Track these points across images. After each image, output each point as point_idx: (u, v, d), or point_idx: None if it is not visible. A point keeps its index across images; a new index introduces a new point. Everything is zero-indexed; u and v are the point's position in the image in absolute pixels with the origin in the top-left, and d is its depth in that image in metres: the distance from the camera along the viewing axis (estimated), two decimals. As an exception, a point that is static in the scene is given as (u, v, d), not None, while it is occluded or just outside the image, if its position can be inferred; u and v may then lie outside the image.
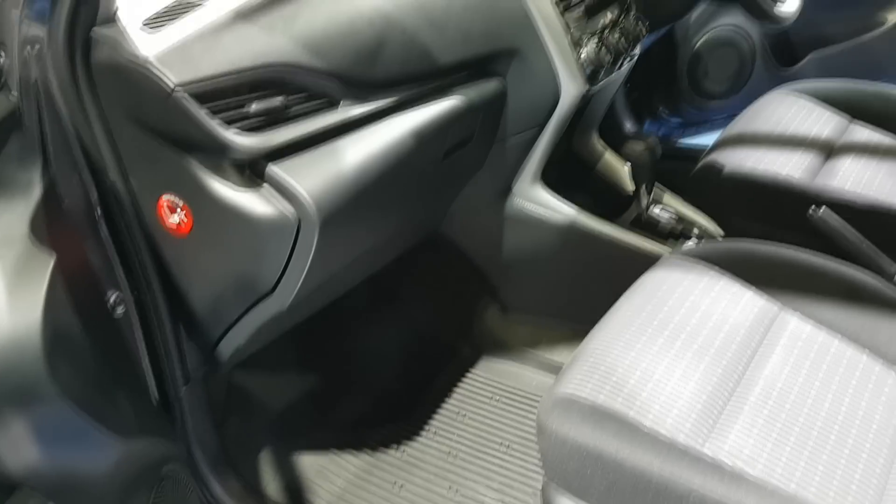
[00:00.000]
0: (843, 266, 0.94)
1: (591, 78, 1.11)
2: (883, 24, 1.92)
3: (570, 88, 1.10)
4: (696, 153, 1.74)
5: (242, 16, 0.79)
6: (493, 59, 1.05)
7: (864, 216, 1.12)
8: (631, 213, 1.29)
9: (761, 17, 1.20)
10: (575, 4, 1.09)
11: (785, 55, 1.95)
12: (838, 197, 1.14)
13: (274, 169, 0.80)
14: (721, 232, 1.27)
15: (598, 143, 1.36)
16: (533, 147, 1.17)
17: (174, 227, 0.85)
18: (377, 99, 0.90)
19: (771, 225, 1.22)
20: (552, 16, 1.05)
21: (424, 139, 0.94)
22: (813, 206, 1.11)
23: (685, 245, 1.25)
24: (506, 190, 1.23)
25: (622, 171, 1.35)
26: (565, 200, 1.22)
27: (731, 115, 2.04)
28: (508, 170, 1.20)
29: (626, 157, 1.22)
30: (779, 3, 1.23)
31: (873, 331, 0.87)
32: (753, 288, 0.92)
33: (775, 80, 1.97)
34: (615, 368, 0.81)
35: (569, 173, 1.36)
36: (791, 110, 1.39)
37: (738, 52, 1.89)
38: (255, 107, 0.79)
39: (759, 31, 1.87)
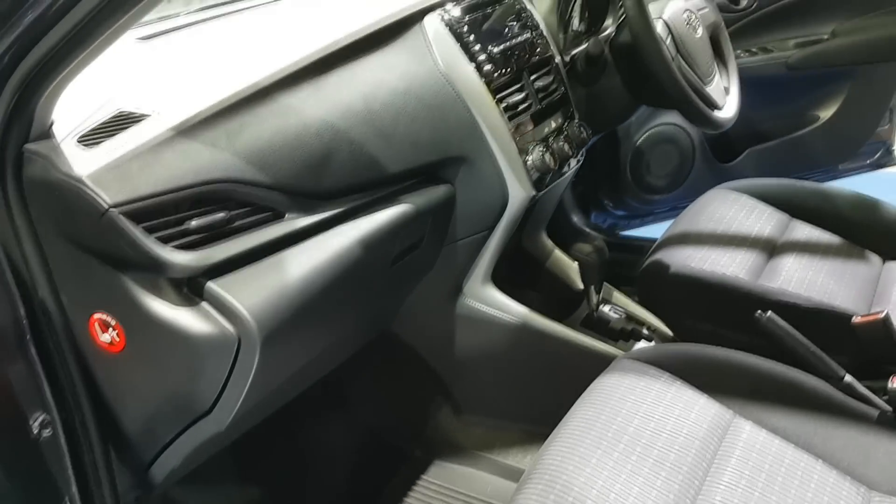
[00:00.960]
0: (793, 371, 0.95)
1: (538, 183, 1.12)
2: (816, 121, 2.03)
3: (518, 194, 1.11)
4: (641, 244, 1.78)
5: (184, 131, 0.78)
6: (442, 166, 1.06)
7: (810, 317, 1.14)
8: (581, 312, 1.29)
9: (701, 123, 1.25)
10: (521, 112, 1.11)
11: (723, 151, 2.04)
12: (782, 298, 1.16)
13: (213, 286, 0.77)
14: (670, 333, 1.27)
15: (546, 241, 1.38)
16: (482, 249, 1.17)
17: (106, 345, 0.80)
18: (324, 209, 0.89)
19: (719, 325, 1.23)
20: (499, 125, 1.07)
21: (372, 247, 0.93)
22: (759, 311, 1.12)
23: (636, 346, 1.24)
24: (456, 290, 1.22)
25: (571, 268, 1.35)
26: (515, 301, 1.22)
27: (674, 208, 2.11)
28: (458, 271, 1.20)
29: (574, 257, 1.23)
30: (716, 111, 1.28)
31: (826, 437, 0.87)
32: (706, 394, 0.91)
33: (714, 175, 2.05)
34: (571, 486, 0.78)
35: (519, 271, 1.36)
36: (732, 208, 1.43)
37: (679, 149, 1.96)
38: (195, 223, 0.77)
39: (698, 130, 1.95)
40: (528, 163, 1.10)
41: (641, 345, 1.24)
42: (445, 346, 1.27)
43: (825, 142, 2.05)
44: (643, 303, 1.32)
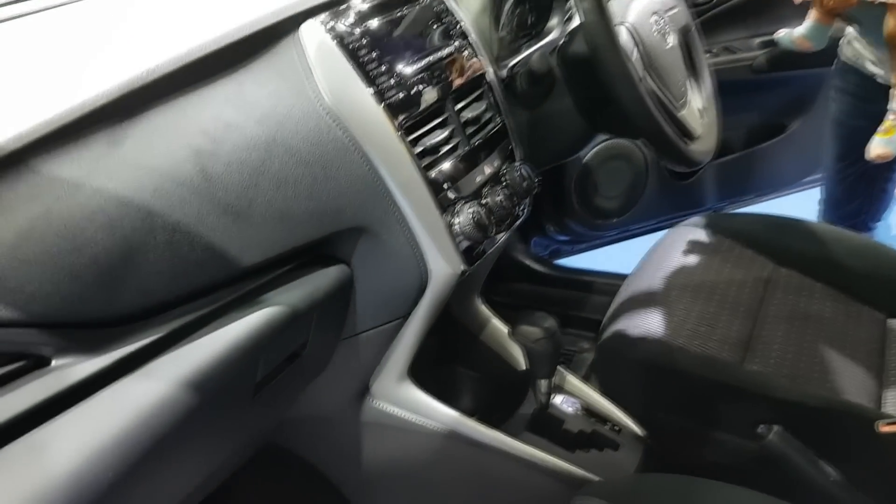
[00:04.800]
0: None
1: (468, 255, 0.81)
2: (782, 130, 1.80)
3: (442, 271, 0.80)
4: (590, 280, 1.50)
5: None
6: (332, 241, 0.74)
7: (816, 419, 0.88)
8: (527, 407, 1.00)
9: (673, 159, 0.96)
10: (443, 157, 0.79)
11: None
12: (781, 395, 0.90)
13: None
14: (643, 431, 0.99)
15: (480, 308, 1.07)
16: (395, 340, 0.86)
17: None
18: (122, 343, 0.56)
19: (698, 422, 0.96)
20: (412, 178, 0.75)
21: (211, 386, 0.60)
22: (761, 426, 0.87)
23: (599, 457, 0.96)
24: (360, 391, 0.90)
25: (512, 346, 1.05)
26: (441, 401, 0.91)
27: (624, 233, 1.85)
28: (362, 368, 0.88)
29: (519, 342, 0.93)
30: (691, 142, 1.00)
31: None
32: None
33: (670, 195, 1.80)
34: None
35: (446, 348, 1.05)
36: (704, 255, 1.17)
37: (631, 166, 1.69)
38: None
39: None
40: (455, 228, 0.79)
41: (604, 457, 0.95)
42: (348, 461, 0.96)
43: (792, 154, 1.82)
44: (604, 389, 1.04)
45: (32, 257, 0.50)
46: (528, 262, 1.56)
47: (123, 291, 0.56)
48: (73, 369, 0.53)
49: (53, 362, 0.53)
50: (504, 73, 0.96)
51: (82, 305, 0.53)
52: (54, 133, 0.52)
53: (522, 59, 0.99)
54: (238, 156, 0.63)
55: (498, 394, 1.04)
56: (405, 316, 0.84)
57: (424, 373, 0.93)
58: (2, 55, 0.59)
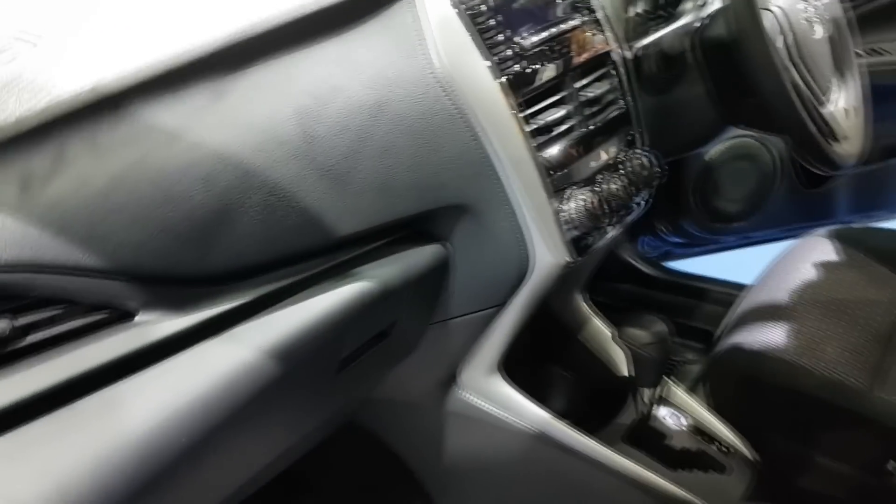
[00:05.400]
0: None
1: (577, 246, 0.75)
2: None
3: (546, 260, 0.74)
4: (704, 287, 1.39)
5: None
6: (430, 218, 0.69)
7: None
8: (626, 416, 0.92)
9: (816, 158, 0.85)
10: (557, 137, 0.73)
11: (810, 173, 1.62)
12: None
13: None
14: (754, 455, 0.90)
15: (581, 306, 1.00)
16: (489, 329, 0.81)
17: None
18: (209, 303, 0.54)
19: (820, 451, 0.86)
20: (524, 157, 0.70)
21: (295, 357, 0.58)
22: (891, 462, 0.76)
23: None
24: (448, 378, 0.86)
25: (615, 349, 0.98)
26: (533, 399, 0.86)
27: (743, 240, 1.71)
28: (451, 356, 0.84)
29: (624, 346, 0.86)
30: (835, 143, 0.89)
31: None
32: None
33: (798, 204, 1.64)
34: None
35: (541, 344, 0.99)
36: (839, 269, 1.05)
37: (758, 168, 1.55)
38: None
39: (784, 146, 1.54)
40: (564, 215, 0.73)
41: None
42: (430, 450, 0.92)
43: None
44: (714, 406, 0.95)
45: (124, 205, 0.48)
46: (635, 262, 1.46)
47: (214, 251, 0.54)
48: (157, 326, 0.52)
49: (137, 317, 0.52)
50: (631, 54, 0.88)
51: (171, 261, 0.52)
52: (156, 79, 0.50)
53: (653, 40, 0.91)
54: (342, 119, 0.60)
55: (594, 399, 0.97)
56: (501, 305, 0.79)
57: (516, 367, 0.87)
58: None
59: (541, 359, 1.01)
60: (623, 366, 0.97)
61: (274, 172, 0.56)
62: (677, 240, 1.65)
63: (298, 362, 0.60)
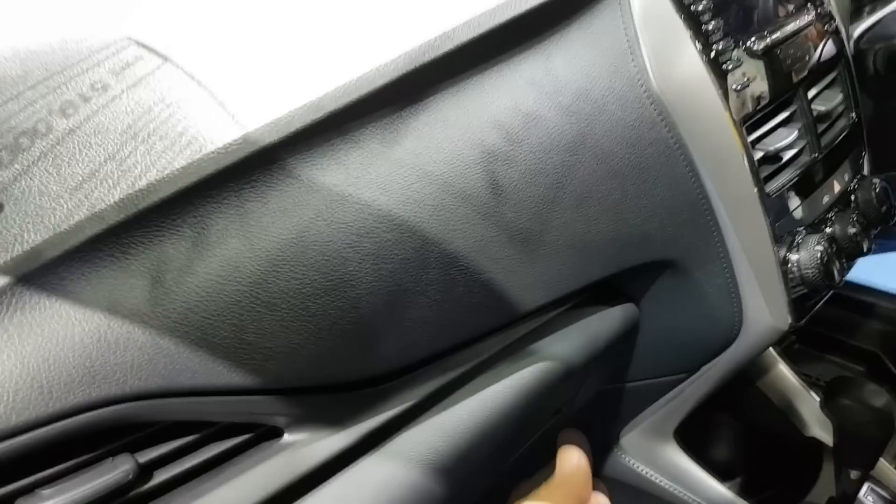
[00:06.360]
0: None
1: (799, 306, 0.59)
2: None
3: (761, 325, 0.58)
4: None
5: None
6: (624, 275, 0.54)
7: None
8: (821, 495, 0.76)
9: None
10: (781, 169, 0.57)
11: None
12: None
13: None
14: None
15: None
16: (669, 395, 0.66)
17: None
18: (367, 411, 0.42)
19: None
20: (748, 196, 0.54)
21: (464, 464, 0.45)
22: None
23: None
24: (609, 441, 0.72)
25: (802, 402, 0.82)
26: (709, 474, 0.71)
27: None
28: (617, 422, 0.70)
29: (832, 414, 0.70)
30: None
31: None
32: None
33: None
34: None
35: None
36: None
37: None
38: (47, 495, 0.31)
39: None
40: (793, 268, 0.57)
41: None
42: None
43: None
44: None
45: (278, 299, 0.35)
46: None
47: (379, 348, 0.40)
48: (312, 446, 0.39)
49: (287, 436, 0.39)
50: (851, 47, 0.70)
51: (330, 367, 0.39)
52: (318, 124, 0.36)
53: (870, 27, 0.72)
54: (536, 161, 0.45)
55: (778, 465, 0.81)
56: (691, 371, 0.64)
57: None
58: (246, 17, 0.44)
59: (710, 411, 0.85)
60: (817, 428, 0.81)
61: (455, 239, 0.42)
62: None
63: (471, 469, 0.47)
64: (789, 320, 0.58)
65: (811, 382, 0.83)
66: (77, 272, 0.32)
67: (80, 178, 0.33)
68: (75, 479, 0.33)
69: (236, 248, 0.34)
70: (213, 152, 0.34)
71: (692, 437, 0.74)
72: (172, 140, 0.35)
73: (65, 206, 0.33)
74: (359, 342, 0.39)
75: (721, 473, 0.74)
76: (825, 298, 0.62)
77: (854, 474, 0.71)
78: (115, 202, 0.33)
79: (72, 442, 0.32)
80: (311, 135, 0.36)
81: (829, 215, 0.61)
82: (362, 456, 0.42)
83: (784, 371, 0.82)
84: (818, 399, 0.81)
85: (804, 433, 0.80)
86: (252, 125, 0.35)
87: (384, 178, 0.39)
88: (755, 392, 0.83)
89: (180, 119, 0.36)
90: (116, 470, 0.33)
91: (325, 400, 0.40)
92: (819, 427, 0.79)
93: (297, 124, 0.36)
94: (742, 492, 0.73)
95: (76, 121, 0.35)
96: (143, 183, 0.33)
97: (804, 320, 0.59)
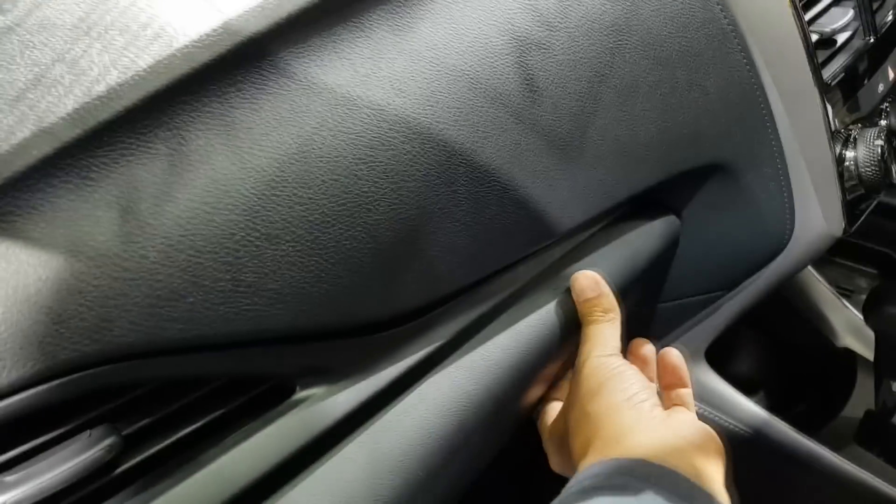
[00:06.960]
0: None
1: (852, 210, 0.53)
2: None
3: (814, 231, 0.52)
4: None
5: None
6: (667, 184, 0.48)
7: None
8: (856, 407, 0.73)
9: None
10: (835, 54, 0.50)
11: None
12: None
13: None
14: None
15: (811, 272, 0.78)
16: (703, 315, 0.61)
17: None
18: (389, 356, 0.36)
19: None
20: (806, 86, 0.47)
21: (490, 408, 0.40)
22: None
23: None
24: (634, 365, 0.68)
25: (842, 319, 0.77)
26: (741, 394, 0.67)
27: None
28: (648, 333, 0.65)
29: (875, 327, 0.65)
30: None
31: None
32: None
33: None
34: None
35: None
36: None
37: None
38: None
39: None
40: (850, 166, 0.50)
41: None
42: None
43: None
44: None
45: (280, 228, 0.29)
46: None
47: (404, 281, 0.34)
48: (330, 400, 0.33)
49: (299, 390, 0.33)
50: None
51: (344, 309, 0.32)
52: (313, 6, 0.29)
53: None
54: (576, 49, 0.37)
55: (808, 379, 0.77)
56: (729, 288, 0.58)
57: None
58: None
59: (745, 329, 0.81)
60: (855, 342, 0.76)
61: (486, 148, 0.34)
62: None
63: (507, 413, 0.42)
64: (843, 225, 0.52)
65: (839, 290, 0.78)
66: (25, 205, 0.25)
67: (22, 86, 0.26)
68: (46, 460, 0.26)
69: (224, 168, 0.27)
70: (186, 46, 0.26)
71: (718, 354, 0.70)
72: (135, 33, 0.27)
73: (4, 121, 0.25)
74: (378, 277, 0.32)
75: (749, 391, 0.70)
76: (873, 205, 0.56)
77: (892, 388, 0.68)
78: (67, 114, 0.25)
79: (38, 416, 0.26)
80: (307, 21, 0.29)
81: (884, 105, 0.54)
82: (386, 406, 0.36)
83: (811, 279, 0.78)
84: (849, 307, 0.77)
85: (836, 343, 0.76)
86: (234, 11, 0.27)
87: (398, 74, 0.32)
88: (782, 303, 0.78)
89: (144, 7, 0.28)
90: (95, 446, 0.27)
91: (340, 346, 0.34)
92: (852, 336, 0.75)
93: (290, 7, 0.28)
94: (773, 409, 0.69)
95: (14, 16, 0.27)
96: (100, 88, 0.26)
97: (853, 228, 0.54)
